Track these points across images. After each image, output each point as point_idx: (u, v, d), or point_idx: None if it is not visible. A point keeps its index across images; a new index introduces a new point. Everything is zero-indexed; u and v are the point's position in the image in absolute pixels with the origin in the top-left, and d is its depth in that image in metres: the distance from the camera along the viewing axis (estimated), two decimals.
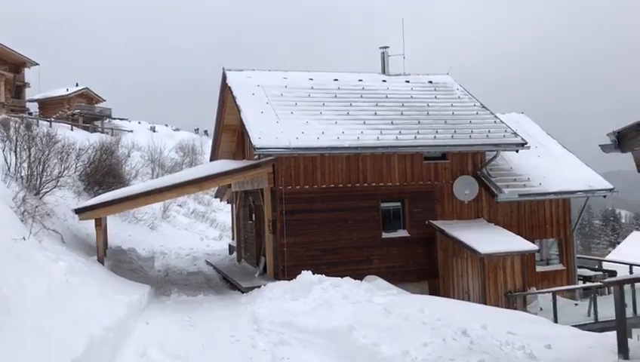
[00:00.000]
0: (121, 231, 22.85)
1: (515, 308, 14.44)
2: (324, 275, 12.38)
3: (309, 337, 7.88)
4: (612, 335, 9.54)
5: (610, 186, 17.47)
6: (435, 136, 15.96)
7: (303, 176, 15.35)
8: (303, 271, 12.50)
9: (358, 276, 14.45)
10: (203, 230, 32.16)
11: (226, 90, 17.99)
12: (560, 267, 17.71)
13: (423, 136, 15.90)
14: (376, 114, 16.67)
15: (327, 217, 15.45)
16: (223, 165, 15.71)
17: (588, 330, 12.85)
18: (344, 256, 15.52)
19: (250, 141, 15.03)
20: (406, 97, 17.95)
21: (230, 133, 20.41)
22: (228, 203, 26.14)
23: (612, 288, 5.88)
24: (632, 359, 5.82)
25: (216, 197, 27.94)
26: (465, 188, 16.33)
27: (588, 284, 17.00)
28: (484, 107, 18.14)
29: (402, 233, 16.22)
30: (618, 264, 19.04)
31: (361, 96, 17.56)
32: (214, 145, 21.06)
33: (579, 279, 18.03)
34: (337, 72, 18.89)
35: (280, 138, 14.80)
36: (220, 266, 19.24)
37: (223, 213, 37.37)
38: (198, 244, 27.17)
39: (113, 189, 18.95)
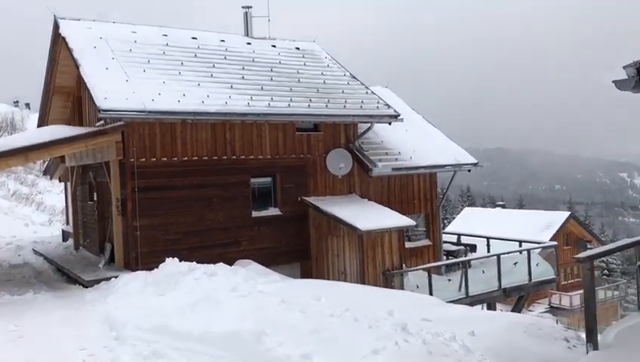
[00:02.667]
0: None
1: (393, 287, 13.78)
2: (193, 262, 10.42)
3: (195, 346, 5.98)
4: (512, 315, 8.97)
5: (475, 161, 17.65)
6: (309, 105, 14.58)
7: (160, 147, 13.03)
8: (167, 259, 10.39)
9: (226, 261, 12.63)
10: (28, 214, 27.53)
11: (58, 43, 14.78)
12: (427, 242, 17.55)
13: (297, 104, 14.44)
14: (243, 78, 14.80)
15: (189, 194, 13.34)
16: (58, 131, 12.74)
17: (462, 304, 12.73)
18: (209, 238, 13.56)
19: (92, 103, 12.31)
20: (274, 62, 16.32)
21: (64, 96, 17.06)
22: (60, 181, 22.35)
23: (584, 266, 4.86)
24: (603, 349, 4.97)
25: (44, 174, 23.81)
26: (339, 162, 15.25)
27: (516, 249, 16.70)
28: (354, 77, 17.20)
29: (273, 211, 14.68)
30: (477, 238, 19.50)
31: (225, 58, 15.54)
32: (42, 111, 17.50)
33: (443, 254, 18.07)
34: (195, 30, 16.59)
35: (131, 99, 12.30)
36: (52, 256, 16.02)
37: (53, 194, 32.63)
38: (23, 231, 22.94)
39: None
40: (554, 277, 16.84)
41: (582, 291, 27.70)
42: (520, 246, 17.84)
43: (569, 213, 42.11)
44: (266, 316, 6.02)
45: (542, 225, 39.69)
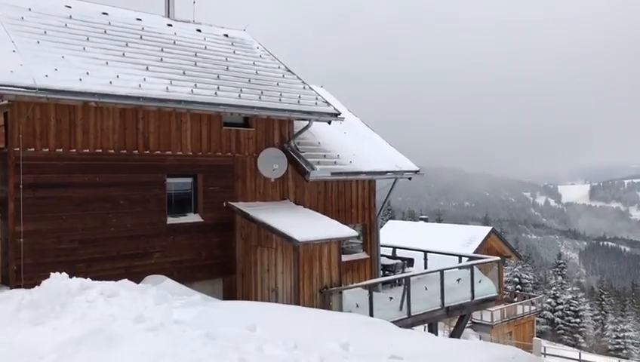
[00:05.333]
0: None
1: (331, 307, 12.05)
2: (87, 279, 8.15)
3: None
4: (484, 346, 7.44)
5: (416, 168, 16.35)
6: (239, 95, 12.61)
7: (55, 135, 10.59)
8: (52, 274, 8.04)
9: (134, 276, 10.51)
10: None
11: None
12: (363, 256, 16.02)
13: (225, 93, 12.42)
14: (162, 60, 12.62)
15: (89, 195, 10.97)
16: None
17: (402, 326, 11.25)
18: (114, 248, 11.24)
19: None
20: (199, 47, 14.21)
21: None
22: None
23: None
24: None
25: None
26: (273, 163, 13.36)
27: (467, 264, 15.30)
28: (290, 71, 15.42)
29: (194, 218, 12.54)
30: (413, 251, 18.19)
31: (141, 38, 13.27)
32: None
33: (380, 269, 16.59)
34: (107, 5, 14.19)
35: (18, 72, 9.83)
36: None
37: None
38: None
39: None
40: (496, 294, 15.78)
41: (502, 306, 26.61)
42: (460, 261, 16.71)
43: (490, 228, 42.35)
44: None
45: (464, 239, 39.55)
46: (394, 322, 11.91)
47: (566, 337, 52.55)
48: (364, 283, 13.24)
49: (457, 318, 16.17)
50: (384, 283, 15.23)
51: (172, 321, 5.72)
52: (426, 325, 15.14)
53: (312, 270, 11.81)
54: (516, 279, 52.49)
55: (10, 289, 9.67)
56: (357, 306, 12.66)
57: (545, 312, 51.79)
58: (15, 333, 6.20)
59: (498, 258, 16.40)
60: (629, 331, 52.63)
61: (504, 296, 47.25)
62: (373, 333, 7.59)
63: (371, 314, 12.54)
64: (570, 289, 57.85)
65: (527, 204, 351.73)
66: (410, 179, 16.37)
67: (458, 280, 15.02)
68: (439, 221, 69.53)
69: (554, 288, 56.93)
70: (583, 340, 52.60)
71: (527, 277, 54.91)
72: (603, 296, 66.24)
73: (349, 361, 5.35)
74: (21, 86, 9.63)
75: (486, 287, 15.53)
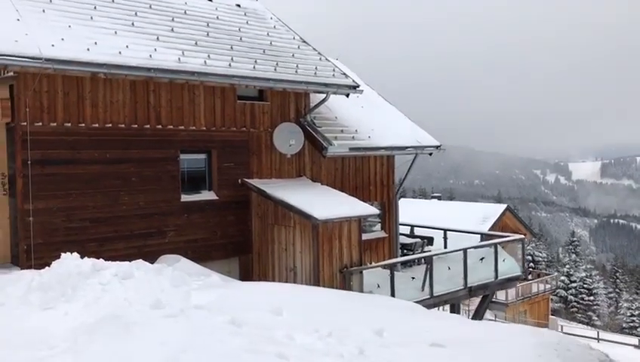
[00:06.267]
0: None
1: (352, 287, 11.60)
2: (100, 259, 7.70)
3: None
4: (524, 331, 7.08)
5: (438, 143, 15.74)
6: (254, 67, 12.02)
7: (63, 108, 10.09)
8: (63, 254, 7.60)
9: (148, 256, 10.07)
10: None
11: None
12: (382, 234, 15.54)
13: (239, 65, 11.82)
14: (173, 30, 12.01)
15: (100, 171, 10.50)
16: None
17: (425, 306, 10.80)
18: (126, 227, 10.80)
19: None
20: (211, 17, 13.58)
21: None
22: None
23: None
24: None
25: None
26: (289, 139, 12.81)
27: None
28: (305, 42, 14.76)
29: (208, 195, 12.06)
30: (431, 229, 17.66)
31: (150, 7, 12.63)
32: None
33: (399, 248, 16.10)
34: None
35: (23, 42, 9.28)
36: None
37: None
38: None
39: None
40: (520, 273, 15.27)
41: (517, 284, 25.66)
42: (482, 239, 16.20)
43: (505, 205, 41.76)
44: (214, 358, 3.57)
45: (479, 217, 39.02)
46: (416, 302, 11.50)
47: (579, 315, 52.19)
48: (386, 262, 12.78)
49: (480, 298, 15.70)
50: (403, 262, 14.78)
51: (192, 306, 5.25)
52: (448, 305, 14.71)
53: (331, 249, 11.34)
54: (529, 257, 51.99)
55: (21, 269, 9.30)
56: (378, 286, 12.22)
57: (558, 290, 51.37)
58: (24, 318, 5.77)
59: (522, 236, 15.83)
60: None
61: None
62: (405, 317, 7.12)
63: (392, 295, 12.10)
64: (583, 267, 57.31)
65: (538, 181, 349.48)
66: (430, 155, 15.76)
67: (482, 259, 14.53)
68: (451, 199, 68.86)
69: (567, 266, 56.44)
70: (596, 318, 52.23)
71: (540, 255, 54.44)
72: (617, 274, 65.69)
73: (389, 350, 4.88)
74: (26, 56, 9.09)
75: (510, 266, 15.02)
